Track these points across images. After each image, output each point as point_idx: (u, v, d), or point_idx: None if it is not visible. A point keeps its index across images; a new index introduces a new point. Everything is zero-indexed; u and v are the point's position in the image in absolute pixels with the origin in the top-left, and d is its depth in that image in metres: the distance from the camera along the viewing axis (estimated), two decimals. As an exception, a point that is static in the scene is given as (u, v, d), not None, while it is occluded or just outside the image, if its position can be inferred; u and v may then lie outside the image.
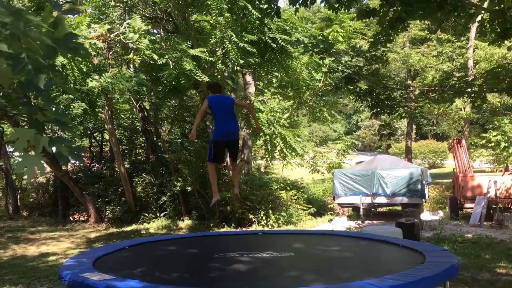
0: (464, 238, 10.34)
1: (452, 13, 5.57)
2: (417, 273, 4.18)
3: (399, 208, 15.17)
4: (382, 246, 5.94)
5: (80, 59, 9.53)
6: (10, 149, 18.55)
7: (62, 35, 2.09)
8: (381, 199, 13.98)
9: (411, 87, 8.47)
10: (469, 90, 6.79)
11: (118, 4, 12.07)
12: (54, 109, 2.22)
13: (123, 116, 17.69)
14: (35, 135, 2.08)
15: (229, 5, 10.83)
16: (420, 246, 5.67)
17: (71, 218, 16.43)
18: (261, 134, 13.35)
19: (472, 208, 13.27)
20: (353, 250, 5.73)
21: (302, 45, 7.47)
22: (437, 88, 7.13)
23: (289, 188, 15.07)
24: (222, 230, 12.93)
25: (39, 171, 2.16)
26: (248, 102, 7.33)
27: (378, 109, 7.37)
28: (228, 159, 6.37)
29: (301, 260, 5.17)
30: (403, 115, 7.85)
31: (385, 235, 6.82)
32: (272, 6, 6.50)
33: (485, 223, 12.43)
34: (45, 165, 18.09)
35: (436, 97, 7.20)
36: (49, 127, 11.50)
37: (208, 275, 4.67)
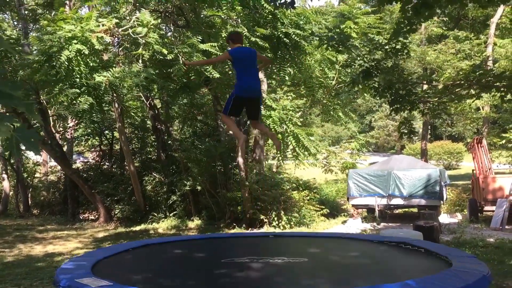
0: (486, 242, 9.83)
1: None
2: (444, 277, 3.80)
3: (415, 210, 14.68)
4: (402, 250, 5.53)
5: (87, 54, 9.26)
6: (22, 146, 18.50)
7: None
8: (398, 201, 13.49)
9: (433, 82, 7.96)
10: (498, 84, 6.31)
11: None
12: None
13: (133, 114, 17.48)
14: None
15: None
16: (444, 250, 5.26)
17: (80, 217, 16.31)
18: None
19: (492, 211, 12.72)
20: (371, 255, 5.33)
21: (317, 38, 7.08)
22: (463, 82, 6.66)
23: (301, 189, 14.63)
24: (232, 231, 12.60)
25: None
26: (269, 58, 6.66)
27: (398, 105, 6.95)
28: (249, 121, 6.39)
29: (316, 266, 4.79)
30: (425, 111, 7.41)
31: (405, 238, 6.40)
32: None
33: (507, 227, 11.88)
34: (55, 163, 17.94)
35: (462, 92, 6.74)
36: None
37: (214, 282, 4.33)
